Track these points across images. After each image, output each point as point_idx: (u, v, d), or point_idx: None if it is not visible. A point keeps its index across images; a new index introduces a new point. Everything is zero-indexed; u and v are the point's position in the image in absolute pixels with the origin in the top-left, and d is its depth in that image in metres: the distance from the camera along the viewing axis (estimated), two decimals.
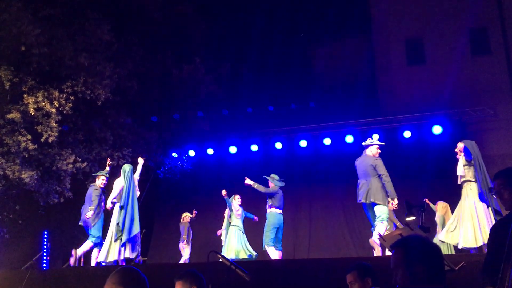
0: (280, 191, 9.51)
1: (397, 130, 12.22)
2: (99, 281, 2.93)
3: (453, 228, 7.57)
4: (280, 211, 9.35)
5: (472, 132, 12.19)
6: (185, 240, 11.44)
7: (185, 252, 11.51)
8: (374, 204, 7.75)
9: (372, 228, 7.92)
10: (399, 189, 10.00)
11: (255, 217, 10.49)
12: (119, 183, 8.34)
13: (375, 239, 7.58)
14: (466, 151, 7.61)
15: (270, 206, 9.36)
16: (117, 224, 7.97)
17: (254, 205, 11.44)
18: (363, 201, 7.82)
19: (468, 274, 4.63)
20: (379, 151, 8.05)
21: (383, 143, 8.30)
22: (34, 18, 9.49)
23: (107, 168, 9.11)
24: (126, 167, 8.45)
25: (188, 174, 13.37)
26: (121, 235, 7.93)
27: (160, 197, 14.18)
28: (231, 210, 10.22)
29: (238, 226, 10.03)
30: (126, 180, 8.23)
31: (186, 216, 11.69)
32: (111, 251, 7.92)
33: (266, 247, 9.13)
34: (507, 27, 13.11)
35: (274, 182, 9.48)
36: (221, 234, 10.78)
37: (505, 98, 12.80)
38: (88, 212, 8.42)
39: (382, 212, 7.70)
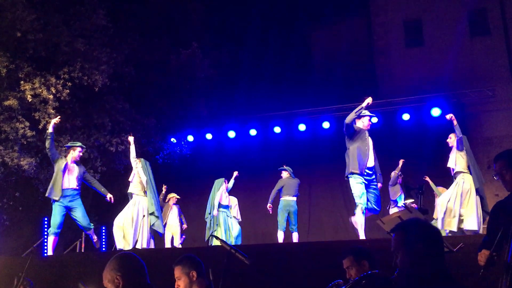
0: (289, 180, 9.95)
1: (396, 112, 12.20)
2: (99, 267, 2.93)
3: (453, 215, 7.54)
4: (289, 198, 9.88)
5: (471, 114, 12.17)
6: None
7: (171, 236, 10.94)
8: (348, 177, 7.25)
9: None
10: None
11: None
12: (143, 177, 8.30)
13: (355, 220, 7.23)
14: (459, 141, 7.60)
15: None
16: (153, 213, 8.07)
17: (250, 190, 11.48)
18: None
19: (466, 255, 4.65)
20: (370, 122, 7.44)
21: (373, 115, 8.10)
22: (28, 4, 9.39)
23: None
24: (143, 162, 8.42)
25: (187, 159, 13.36)
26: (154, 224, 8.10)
27: (159, 183, 14.16)
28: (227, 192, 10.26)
29: (225, 211, 10.07)
30: (147, 173, 8.27)
31: (173, 197, 11.21)
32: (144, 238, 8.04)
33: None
34: (506, 7, 13.01)
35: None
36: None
37: (504, 79, 12.76)
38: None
39: (353, 187, 7.20)
